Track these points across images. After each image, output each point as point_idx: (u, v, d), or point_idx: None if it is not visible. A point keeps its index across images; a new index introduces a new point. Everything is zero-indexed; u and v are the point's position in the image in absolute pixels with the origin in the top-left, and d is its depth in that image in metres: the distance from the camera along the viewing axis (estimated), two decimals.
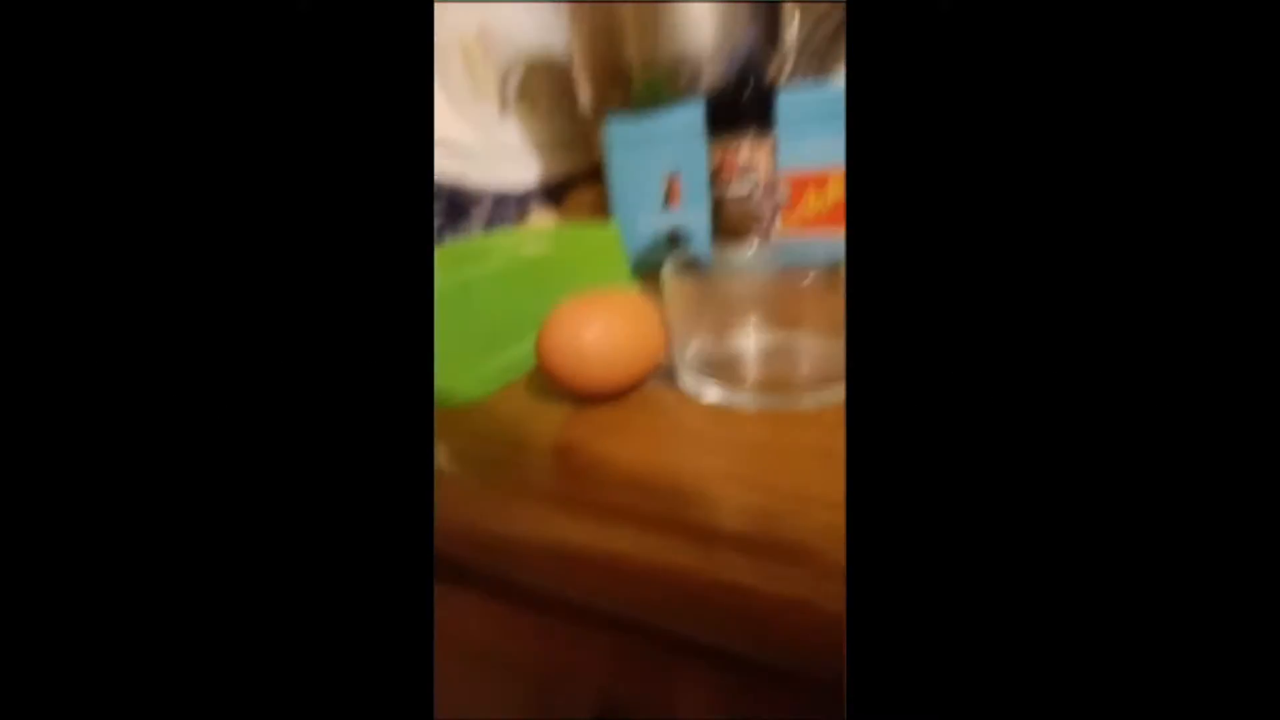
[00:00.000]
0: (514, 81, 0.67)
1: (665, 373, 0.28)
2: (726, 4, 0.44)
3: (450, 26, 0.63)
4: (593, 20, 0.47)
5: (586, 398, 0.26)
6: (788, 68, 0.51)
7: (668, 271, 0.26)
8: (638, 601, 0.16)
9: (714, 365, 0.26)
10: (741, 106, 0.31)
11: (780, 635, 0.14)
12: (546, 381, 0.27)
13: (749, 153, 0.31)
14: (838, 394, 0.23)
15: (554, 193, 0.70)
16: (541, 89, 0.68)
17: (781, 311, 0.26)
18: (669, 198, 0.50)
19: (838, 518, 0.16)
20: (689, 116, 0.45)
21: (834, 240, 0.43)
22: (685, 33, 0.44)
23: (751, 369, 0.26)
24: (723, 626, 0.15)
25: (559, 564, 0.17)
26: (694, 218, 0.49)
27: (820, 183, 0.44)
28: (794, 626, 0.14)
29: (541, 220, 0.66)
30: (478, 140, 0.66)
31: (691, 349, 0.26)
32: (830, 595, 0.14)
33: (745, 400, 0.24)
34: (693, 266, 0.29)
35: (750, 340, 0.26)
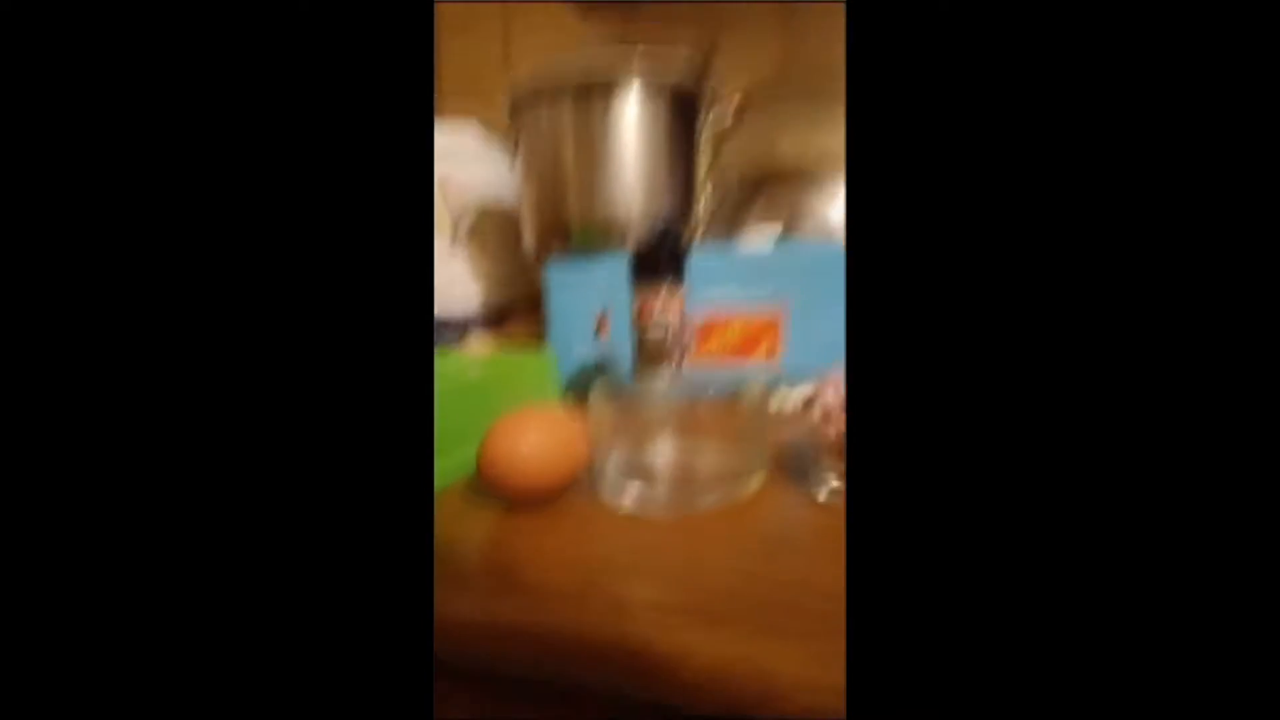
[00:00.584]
0: (466, 223, 0.75)
1: (588, 480, 0.32)
2: (650, 177, 0.55)
3: None
4: (540, 178, 0.57)
5: (520, 501, 0.29)
6: (700, 231, 0.62)
7: (596, 394, 0.30)
8: (562, 672, 0.19)
9: (631, 470, 0.30)
10: (660, 262, 0.38)
11: (703, 695, 0.18)
12: (483, 486, 0.30)
13: (665, 300, 0.38)
14: (731, 494, 0.28)
15: (494, 319, 0.76)
16: (491, 231, 0.76)
17: (688, 429, 0.31)
18: (599, 330, 0.57)
19: (738, 585, 0.20)
20: (618, 264, 0.53)
21: (733, 371, 0.50)
22: (616, 197, 0.54)
23: (663, 474, 0.31)
24: (644, 690, 0.18)
25: (491, 642, 0.20)
26: (620, 348, 0.56)
27: (724, 325, 0.52)
28: (700, 687, 0.17)
29: (481, 344, 0.71)
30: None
31: (612, 460, 0.30)
32: (737, 658, 0.18)
33: (656, 497, 0.28)
34: (617, 390, 0.34)
35: (662, 452, 0.31)
